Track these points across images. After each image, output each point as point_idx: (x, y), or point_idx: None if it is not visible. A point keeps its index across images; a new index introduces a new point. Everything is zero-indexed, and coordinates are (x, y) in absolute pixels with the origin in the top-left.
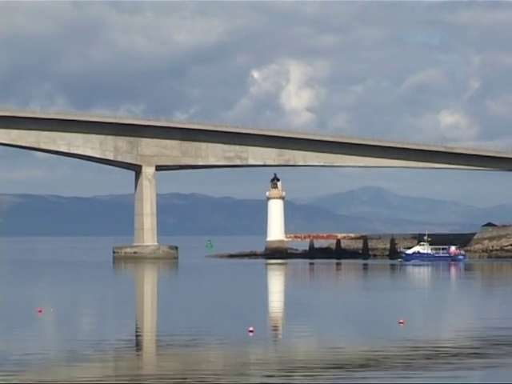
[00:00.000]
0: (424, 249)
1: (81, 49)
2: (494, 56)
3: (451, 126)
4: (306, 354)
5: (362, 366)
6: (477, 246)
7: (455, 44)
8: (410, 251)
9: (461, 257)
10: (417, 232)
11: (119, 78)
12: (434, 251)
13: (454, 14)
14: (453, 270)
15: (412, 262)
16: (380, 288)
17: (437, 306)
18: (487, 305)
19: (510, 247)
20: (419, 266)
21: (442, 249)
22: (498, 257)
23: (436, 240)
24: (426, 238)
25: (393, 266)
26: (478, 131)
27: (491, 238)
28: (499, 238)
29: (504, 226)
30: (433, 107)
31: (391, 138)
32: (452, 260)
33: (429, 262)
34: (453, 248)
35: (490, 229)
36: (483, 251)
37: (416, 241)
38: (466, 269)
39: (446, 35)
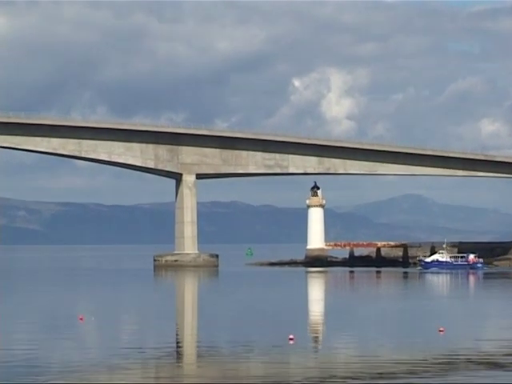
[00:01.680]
0: (443, 257)
1: (122, 58)
2: None
3: (492, 134)
4: (346, 363)
5: (402, 374)
6: None
7: (496, 52)
8: (428, 259)
9: (479, 265)
10: (457, 240)
11: (160, 87)
12: (452, 259)
13: (495, 21)
14: (471, 278)
15: (431, 270)
16: (419, 296)
17: (475, 315)
18: None
19: None
20: (438, 273)
21: (461, 257)
22: None
23: (476, 248)
24: (444, 245)
25: (431, 275)
26: None
27: None
28: None
29: None
30: (473, 115)
31: (431, 147)
32: (471, 268)
33: (447, 270)
34: (471, 256)
35: None
36: None
37: (456, 249)
38: (484, 277)
39: (486, 43)
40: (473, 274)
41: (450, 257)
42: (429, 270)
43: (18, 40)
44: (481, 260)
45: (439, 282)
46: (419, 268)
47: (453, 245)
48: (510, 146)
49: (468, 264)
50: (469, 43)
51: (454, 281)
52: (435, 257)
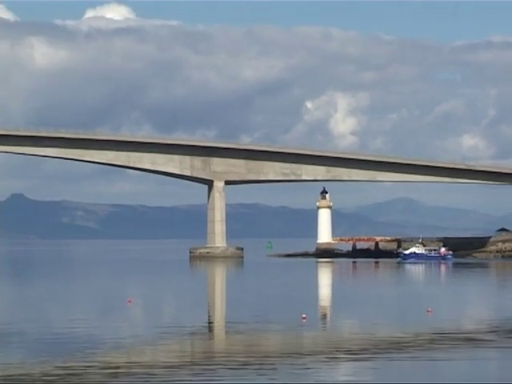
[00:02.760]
0: (419, 250)
1: (163, 84)
2: (508, 89)
3: (471, 147)
4: (349, 337)
5: (396, 348)
6: (492, 248)
7: (474, 80)
8: (407, 252)
9: (449, 256)
10: (443, 236)
11: (195, 108)
12: (427, 251)
13: (473, 54)
14: (442, 267)
15: (409, 261)
16: (410, 282)
17: (456, 297)
18: (499, 296)
19: None
20: (415, 264)
21: (434, 250)
22: (509, 256)
23: (459, 243)
24: (420, 240)
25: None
26: (494, 152)
27: (504, 241)
28: (511, 241)
29: None
30: (456, 132)
31: (421, 158)
32: (442, 259)
33: (422, 261)
34: (443, 249)
35: (503, 233)
36: (497, 252)
37: (441, 243)
38: (453, 267)
39: (466, 72)
40: (444, 264)
41: (425, 249)
42: (407, 261)
43: (78, 69)
44: (450, 252)
45: (416, 270)
46: (399, 259)
47: (439, 240)
48: (486, 158)
49: (440, 256)
50: (452, 72)
51: (428, 270)
52: (412, 249)
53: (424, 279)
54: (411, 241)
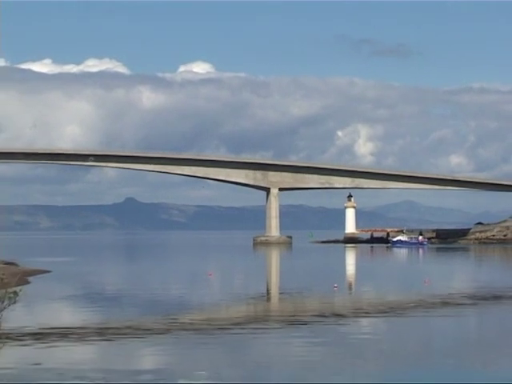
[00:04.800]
0: (404, 237)
1: (235, 119)
2: (483, 122)
3: (457, 164)
4: (368, 301)
5: (403, 308)
6: (472, 236)
7: (460, 115)
8: (395, 239)
9: (425, 243)
10: (435, 228)
11: (257, 136)
12: (409, 239)
13: (459, 96)
14: (420, 251)
15: (396, 245)
16: (408, 261)
17: (444, 272)
18: (476, 272)
19: (491, 237)
20: (400, 248)
21: (414, 237)
22: (484, 243)
23: (447, 233)
24: (404, 230)
25: (396, 249)
26: (473, 167)
27: (480, 231)
28: (485, 231)
29: (488, 224)
30: (446, 152)
31: (420, 171)
32: (420, 245)
33: (405, 246)
34: (420, 237)
35: (479, 226)
36: (475, 239)
37: (435, 233)
38: (428, 251)
39: (454, 109)
40: (421, 248)
41: (408, 237)
42: (394, 246)
43: (173, 109)
44: (426, 239)
45: (402, 252)
46: (389, 245)
47: (433, 231)
48: (467, 171)
49: (418, 242)
50: (443, 109)
51: (410, 253)
52: (398, 237)
53: (417, 259)
54: (412, 231)
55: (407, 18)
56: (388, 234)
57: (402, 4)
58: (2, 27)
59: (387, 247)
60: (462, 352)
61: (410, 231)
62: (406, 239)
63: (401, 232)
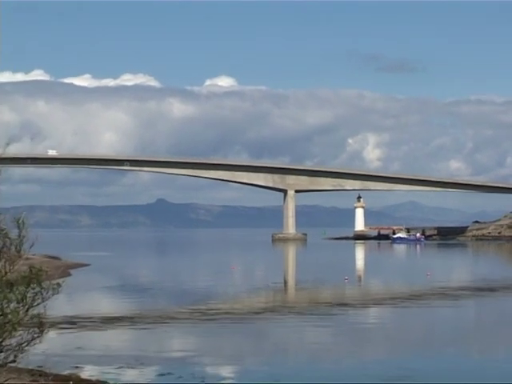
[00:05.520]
0: (403, 234)
1: (256, 128)
2: (479, 131)
3: (456, 168)
4: (375, 291)
5: (407, 298)
6: (469, 234)
7: (459, 124)
8: (395, 236)
9: (422, 240)
10: (436, 226)
11: (276, 143)
12: (407, 236)
13: (458, 107)
14: (418, 247)
15: (396, 242)
16: (410, 256)
17: (443, 265)
18: (473, 265)
19: (487, 234)
20: (399, 244)
21: (412, 234)
22: (480, 239)
23: (448, 230)
24: (403, 228)
25: (396, 245)
26: (470, 171)
27: (477, 229)
28: (481, 229)
29: (484, 223)
30: (446, 158)
31: (423, 175)
32: (417, 241)
33: (404, 242)
34: (418, 234)
35: (476, 224)
36: (473, 236)
37: (436, 231)
38: (424, 246)
39: (454, 119)
40: (418, 244)
41: (407, 234)
42: (395, 242)
43: (200, 119)
44: (423, 236)
45: (402, 248)
46: (390, 241)
47: (435, 228)
48: (465, 175)
49: (416, 239)
50: (444, 119)
51: (408, 248)
52: (399, 234)
53: (418, 254)
54: (416, 229)
55: (411, 35)
56: (394, 231)
57: (406, 24)
58: (46, 47)
59: (390, 243)
60: (463, 339)
61: (412, 229)
62: (405, 236)
63: (400, 230)
